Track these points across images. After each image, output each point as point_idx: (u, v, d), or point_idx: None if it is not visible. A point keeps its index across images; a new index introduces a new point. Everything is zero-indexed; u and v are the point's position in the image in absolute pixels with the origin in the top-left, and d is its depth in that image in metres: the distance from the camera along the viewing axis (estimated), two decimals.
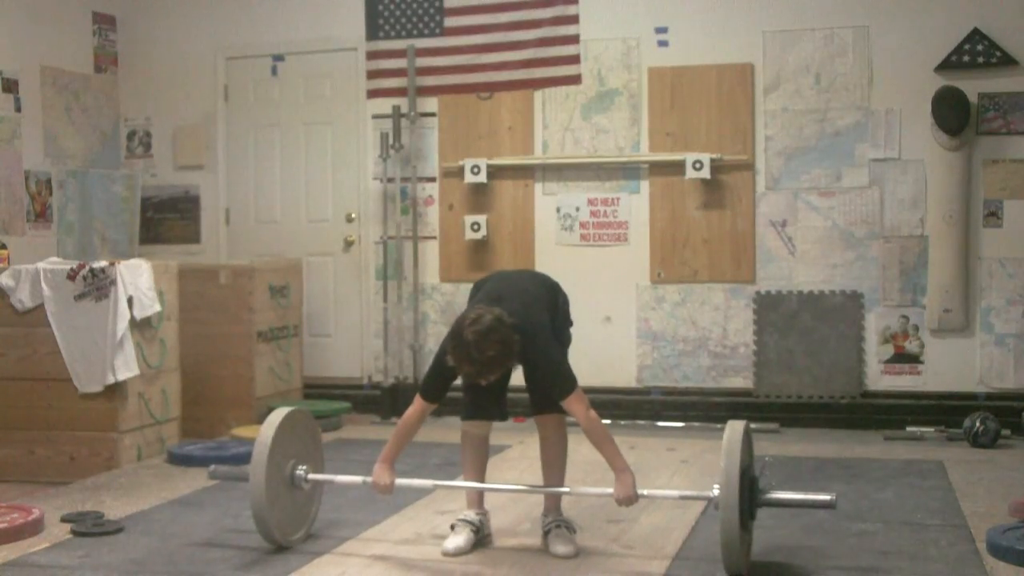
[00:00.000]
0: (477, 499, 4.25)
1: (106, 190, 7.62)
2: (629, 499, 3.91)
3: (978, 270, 6.60)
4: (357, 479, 4.23)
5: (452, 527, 4.20)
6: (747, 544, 3.80)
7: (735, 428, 3.76)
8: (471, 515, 4.20)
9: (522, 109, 7.21)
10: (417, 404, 4.11)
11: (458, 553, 4.07)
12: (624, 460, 3.97)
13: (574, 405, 3.95)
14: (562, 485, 4.20)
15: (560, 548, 4.04)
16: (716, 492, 3.66)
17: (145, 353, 5.76)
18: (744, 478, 3.69)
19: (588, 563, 3.96)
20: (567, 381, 3.96)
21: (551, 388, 3.99)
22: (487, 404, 4.19)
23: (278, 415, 4.16)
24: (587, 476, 5.17)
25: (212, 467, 4.46)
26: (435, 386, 4.10)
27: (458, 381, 4.13)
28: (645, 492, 3.96)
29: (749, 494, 3.73)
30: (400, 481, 4.12)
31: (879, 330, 6.73)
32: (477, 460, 4.25)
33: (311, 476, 4.20)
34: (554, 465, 4.21)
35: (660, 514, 4.60)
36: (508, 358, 3.86)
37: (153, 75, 7.84)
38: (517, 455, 5.79)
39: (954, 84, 6.53)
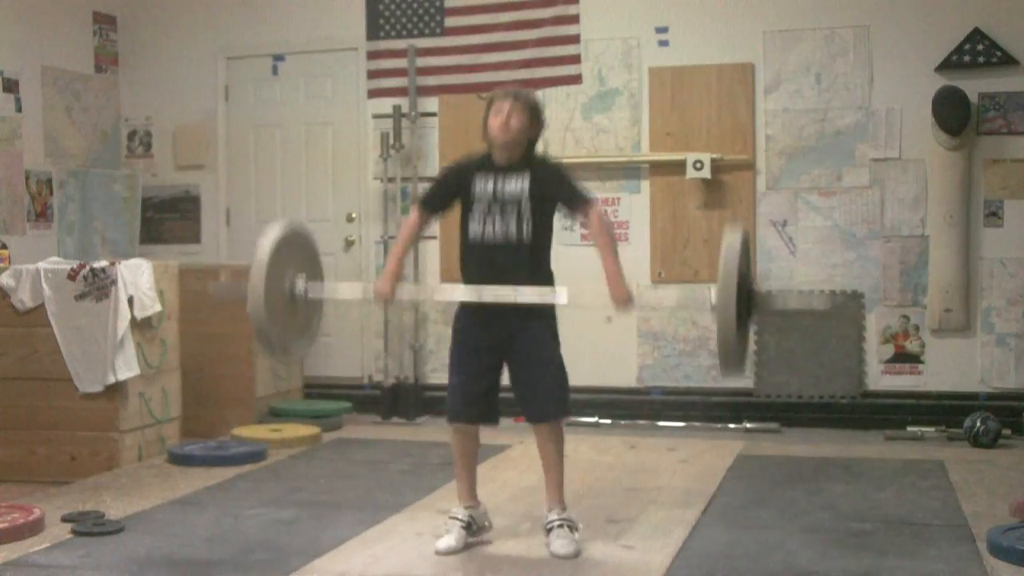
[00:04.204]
0: (467, 493, 4.25)
1: (106, 190, 7.62)
2: (624, 298, 3.94)
3: (979, 270, 6.60)
4: (358, 289, 4.19)
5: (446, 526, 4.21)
6: (743, 347, 3.79)
7: (733, 236, 3.74)
8: (459, 512, 4.20)
9: None
10: (415, 214, 4.23)
11: (449, 552, 4.07)
12: (618, 268, 4.02)
13: (591, 210, 4.10)
14: (562, 483, 4.17)
15: (561, 549, 4.04)
16: (713, 297, 3.68)
17: (146, 353, 5.76)
18: (742, 284, 3.66)
19: (588, 563, 3.96)
20: (585, 192, 4.14)
21: (573, 199, 4.11)
22: (474, 401, 4.16)
23: (274, 230, 4.06)
24: (587, 475, 5.18)
25: (211, 285, 4.38)
26: (436, 195, 4.22)
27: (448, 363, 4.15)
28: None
29: (747, 298, 3.71)
30: (401, 290, 4.13)
31: (879, 330, 6.73)
32: (467, 456, 4.24)
33: (310, 289, 4.14)
34: (553, 466, 4.18)
35: (660, 513, 4.60)
36: (537, 117, 4.10)
37: (153, 75, 7.84)
38: (518, 454, 5.79)
39: (955, 84, 6.53)
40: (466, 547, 4.11)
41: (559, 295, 4.06)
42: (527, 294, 4.02)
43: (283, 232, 4.08)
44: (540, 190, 4.10)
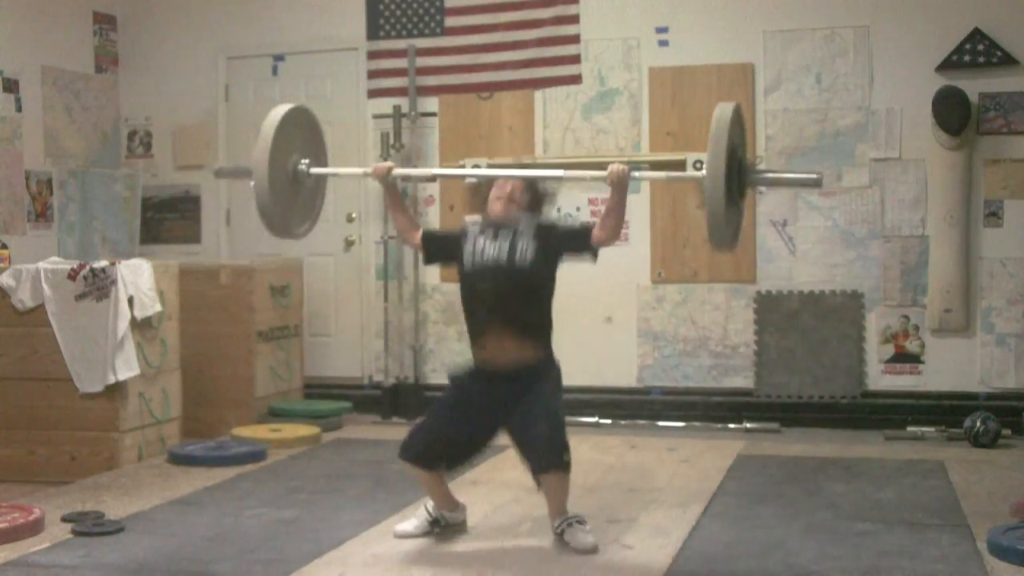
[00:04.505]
0: (441, 503, 4.31)
1: (107, 190, 7.62)
2: (618, 172, 4.02)
3: (979, 270, 6.60)
4: (357, 170, 4.51)
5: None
6: (736, 221, 3.77)
7: (725, 108, 3.69)
8: (431, 505, 4.29)
9: (522, 109, 7.21)
10: (417, 233, 4.36)
11: (403, 536, 4.21)
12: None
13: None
14: (565, 508, 4.17)
15: (582, 542, 4.05)
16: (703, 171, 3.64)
17: (146, 353, 5.76)
18: (732, 157, 3.61)
19: (588, 563, 3.96)
20: (584, 228, 4.23)
21: (578, 236, 4.20)
22: (432, 448, 4.18)
23: (279, 112, 4.08)
24: (587, 475, 5.18)
25: (217, 167, 4.44)
26: (436, 233, 4.41)
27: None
28: (636, 174, 4.11)
29: (737, 172, 3.67)
30: (399, 171, 4.25)
31: (880, 330, 6.73)
32: (430, 488, 4.29)
33: (313, 170, 4.17)
34: (559, 502, 4.18)
35: (660, 514, 4.60)
36: (540, 198, 4.23)
37: (153, 75, 7.84)
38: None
39: (955, 84, 6.53)
40: (428, 535, 4.26)
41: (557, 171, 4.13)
42: (531, 173, 4.14)
43: (288, 112, 4.09)
44: (540, 232, 4.17)
